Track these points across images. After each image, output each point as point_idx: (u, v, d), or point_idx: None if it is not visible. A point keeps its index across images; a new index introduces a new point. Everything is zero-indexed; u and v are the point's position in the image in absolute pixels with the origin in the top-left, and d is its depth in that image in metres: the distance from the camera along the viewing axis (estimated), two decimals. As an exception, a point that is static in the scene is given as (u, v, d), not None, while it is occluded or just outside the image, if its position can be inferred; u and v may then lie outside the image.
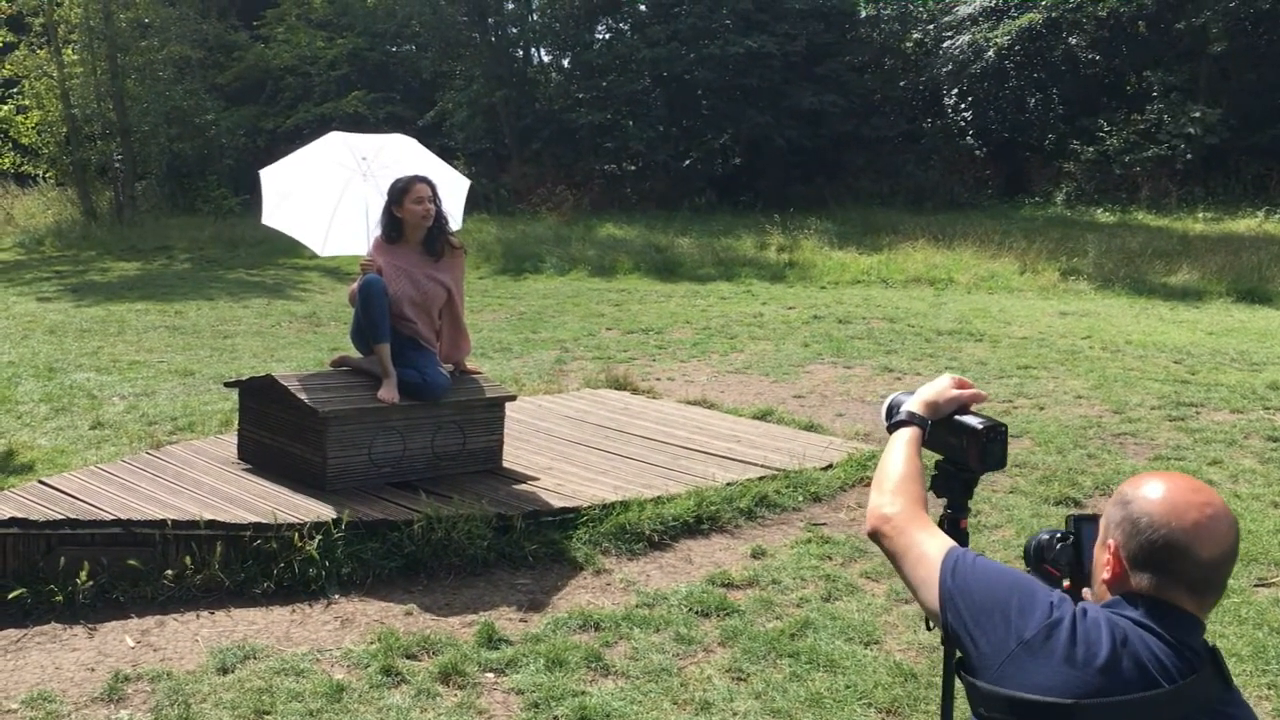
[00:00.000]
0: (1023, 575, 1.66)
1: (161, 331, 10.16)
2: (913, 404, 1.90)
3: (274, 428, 5.09)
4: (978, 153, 22.42)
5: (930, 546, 1.70)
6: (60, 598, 4.00)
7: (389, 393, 4.97)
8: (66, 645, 3.81)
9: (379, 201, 5.15)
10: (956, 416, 1.89)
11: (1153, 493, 1.57)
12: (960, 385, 1.91)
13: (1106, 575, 1.60)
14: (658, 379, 8.16)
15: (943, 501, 1.95)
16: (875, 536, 1.80)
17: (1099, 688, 1.46)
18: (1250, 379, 8.05)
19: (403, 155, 5.47)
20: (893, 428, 1.91)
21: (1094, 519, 1.71)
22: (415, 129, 19.45)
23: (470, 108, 22.40)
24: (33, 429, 6.49)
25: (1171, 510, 1.55)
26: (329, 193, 5.41)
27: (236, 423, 5.44)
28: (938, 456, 1.94)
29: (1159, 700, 1.46)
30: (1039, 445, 6.24)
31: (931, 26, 22.20)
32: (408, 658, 3.75)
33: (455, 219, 5.38)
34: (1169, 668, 1.47)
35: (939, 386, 1.90)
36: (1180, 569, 1.53)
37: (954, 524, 1.91)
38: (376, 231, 5.15)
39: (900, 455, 1.84)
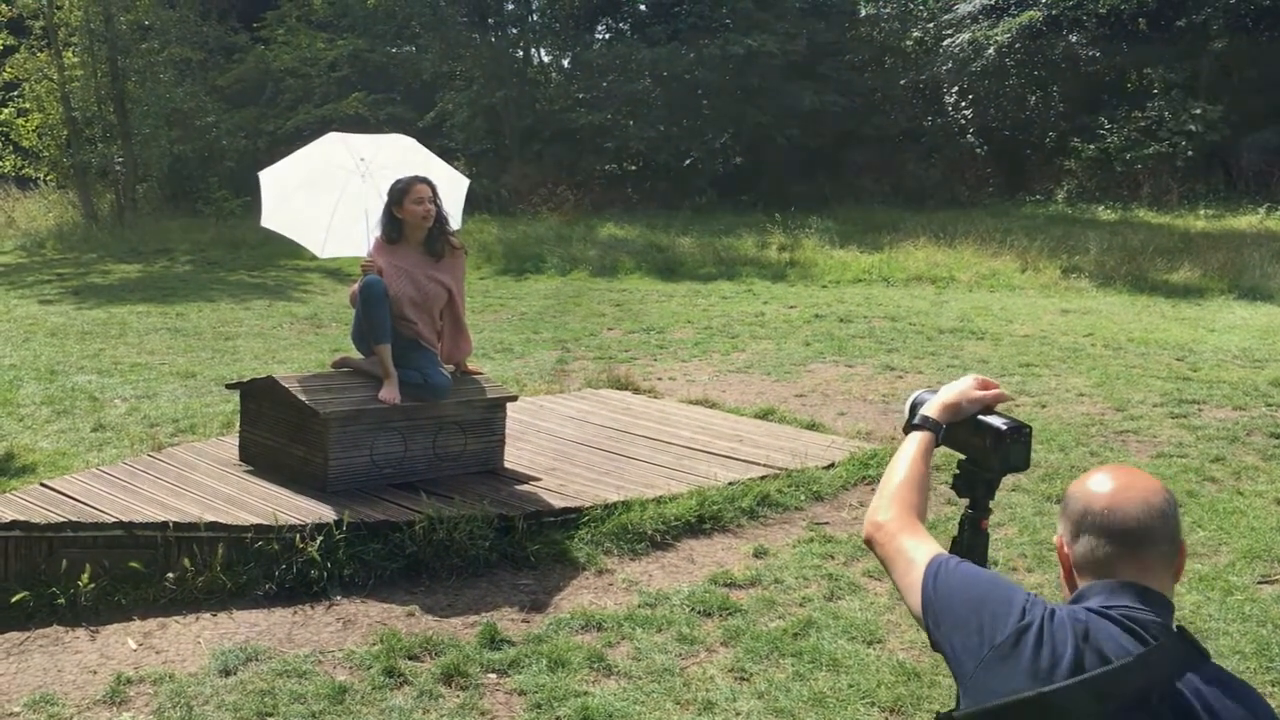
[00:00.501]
0: (1002, 581, 1.67)
1: (163, 333, 10.16)
2: (930, 407, 1.89)
3: (275, 429, 5.09)
4: (978, 151, 22.41)
5: (917, 553, 1.71)
6: (62, 600, 4.00)
7: (390, 393, 4.97)
8: (68, 648, 3.81)
9: (378, 202, 5.15)
10: (980, 417, 1.88)
11: (1082, 479, 1.68)
12: (984, 386, 1.91)
13: (1062, 572, 1.65)
14: (659, 379, 8.15)
15: (964, 502, 1.95)
16: (869, 543, 1.82)
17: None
18: (1252, 376, 8.04)
19: (402, 155, 5.47)
20: (907, 429, 1.91)
21: None
22: (416, 130, 19.43)
23: (471, 108, 22.41)
24: (34, 431, 6.49)
25: (1093, 482, 1.65)
26: (328, 194, 5.41)
27: (238, 424, 5.44)
28: (960, 456, 1.93)
29: (1123, 671, 1.47)
30: (1041, 443, 6.23)
31: (931, 25, 22.19)
32: (410, 659, 3.75)
33: (455, 219, 5.38)
34: (1130, 650, 1.49)
35: (961, 387, 1.90)
36: (1106, 531, 1.57)
37: (975, 524, 1.90)
38: (376, 232, 5.15)
39: (904, 462, 1.85)
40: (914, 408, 1.93)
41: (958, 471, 1.91)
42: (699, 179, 21.77)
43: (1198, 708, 1.47)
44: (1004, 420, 1.86)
